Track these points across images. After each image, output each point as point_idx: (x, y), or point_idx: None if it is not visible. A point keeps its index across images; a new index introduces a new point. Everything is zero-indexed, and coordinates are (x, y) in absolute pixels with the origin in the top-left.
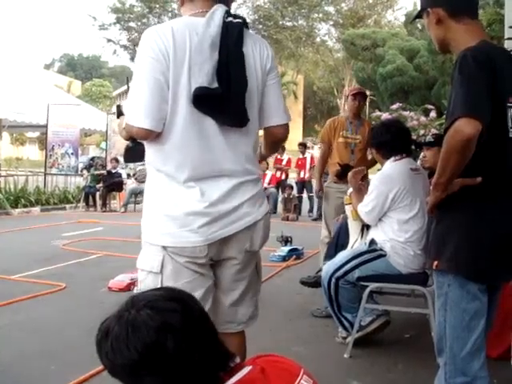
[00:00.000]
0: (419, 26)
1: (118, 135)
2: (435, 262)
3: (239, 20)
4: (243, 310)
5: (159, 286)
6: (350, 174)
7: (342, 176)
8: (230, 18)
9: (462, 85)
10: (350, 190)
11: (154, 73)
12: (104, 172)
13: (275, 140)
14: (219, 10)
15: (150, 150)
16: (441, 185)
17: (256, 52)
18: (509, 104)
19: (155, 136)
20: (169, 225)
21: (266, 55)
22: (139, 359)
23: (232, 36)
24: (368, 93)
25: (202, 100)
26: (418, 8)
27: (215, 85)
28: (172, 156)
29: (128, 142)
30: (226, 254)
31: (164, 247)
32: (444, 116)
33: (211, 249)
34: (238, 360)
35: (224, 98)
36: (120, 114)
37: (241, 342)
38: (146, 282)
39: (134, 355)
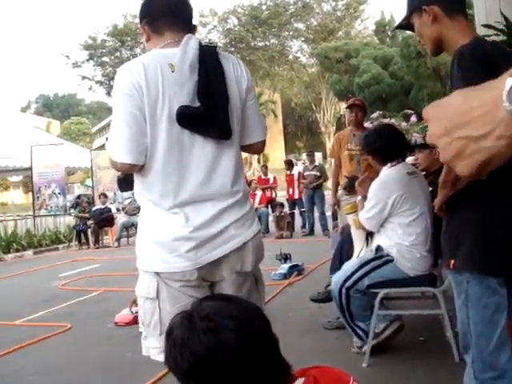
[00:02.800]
0: (389, 33)
1: (103, 171)
2: (451, 262)
3: (212, 45)
4: None
5: (157, 310)
6: (356, 183)
7: (350, 188)
8: (204, 44)
9: (462, 80)
10: (359, 198)
11: (130, 108)
12: (87, 212)
13: (252, 154)
14: (193, 39)
15: (136, 180)
16: (448, 182)
17: (232, 70)
18: None
19: (139, 168)
20: (158, 251)
21: (240, 73)
22: (189, 369)
23: (210, 57)
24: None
25: (186, 118)
26: (388, 16)
27: (197, 103)
28: (155, 186)
29: (119, 173)
30: (217, 276)
31: (157, 273)
32: None
33: (201, 272)
34: (291, 371)
35: (206, 115)
36: None
37: None
38: (145, 307)
39: (185, 365)
